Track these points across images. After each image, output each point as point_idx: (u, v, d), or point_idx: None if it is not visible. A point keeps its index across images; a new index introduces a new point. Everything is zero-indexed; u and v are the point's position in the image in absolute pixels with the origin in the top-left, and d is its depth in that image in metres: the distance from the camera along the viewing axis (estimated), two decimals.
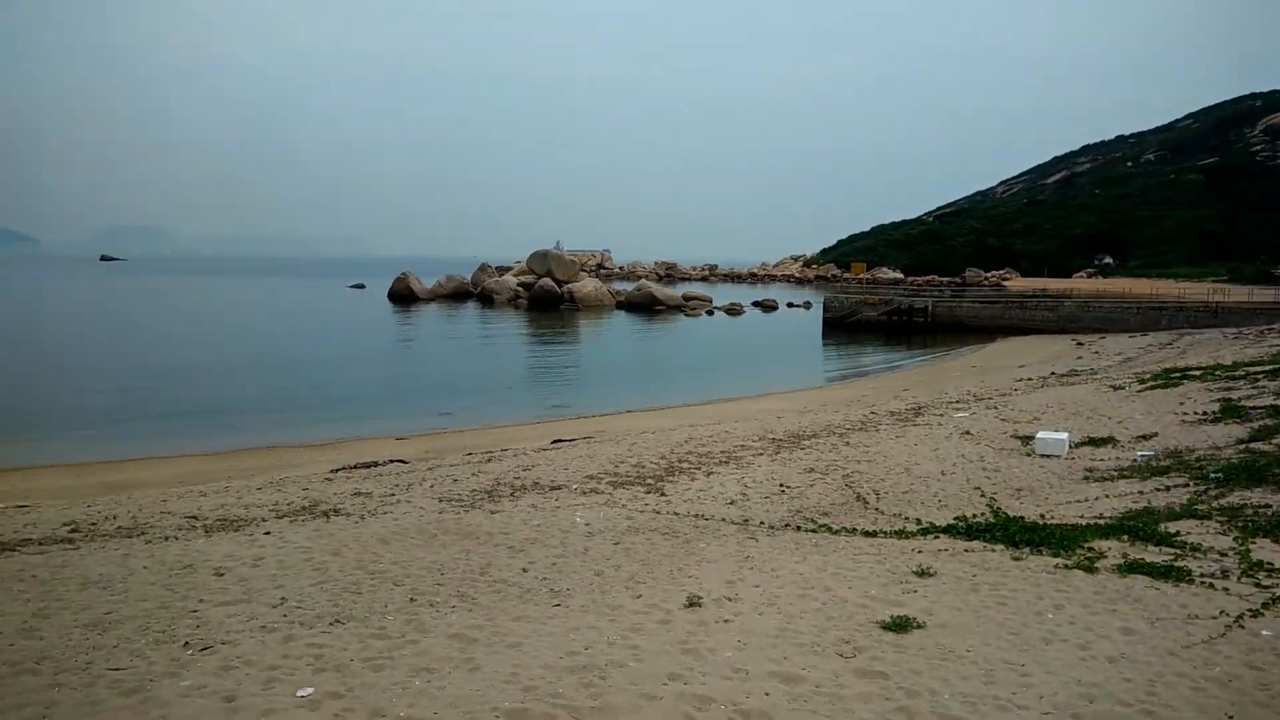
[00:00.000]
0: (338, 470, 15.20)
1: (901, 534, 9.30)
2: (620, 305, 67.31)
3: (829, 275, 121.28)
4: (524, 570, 8.23)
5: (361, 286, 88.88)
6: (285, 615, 6.91)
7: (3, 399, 25.47)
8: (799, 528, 9.82)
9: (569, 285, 67.37)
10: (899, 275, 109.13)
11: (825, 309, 55.80)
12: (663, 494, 11.76)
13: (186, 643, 6.30)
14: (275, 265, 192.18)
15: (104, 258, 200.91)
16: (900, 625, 6.36)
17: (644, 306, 65.71)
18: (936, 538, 9.06)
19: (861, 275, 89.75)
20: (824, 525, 9.87)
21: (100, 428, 21.54)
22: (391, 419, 23.11)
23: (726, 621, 6.61)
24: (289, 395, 27.09)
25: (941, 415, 18.17)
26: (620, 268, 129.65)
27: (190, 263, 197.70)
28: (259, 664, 5.81)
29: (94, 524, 10.73)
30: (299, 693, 5.29)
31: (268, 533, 9.83)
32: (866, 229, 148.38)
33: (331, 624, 6.71)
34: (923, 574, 7.59)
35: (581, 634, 6.41)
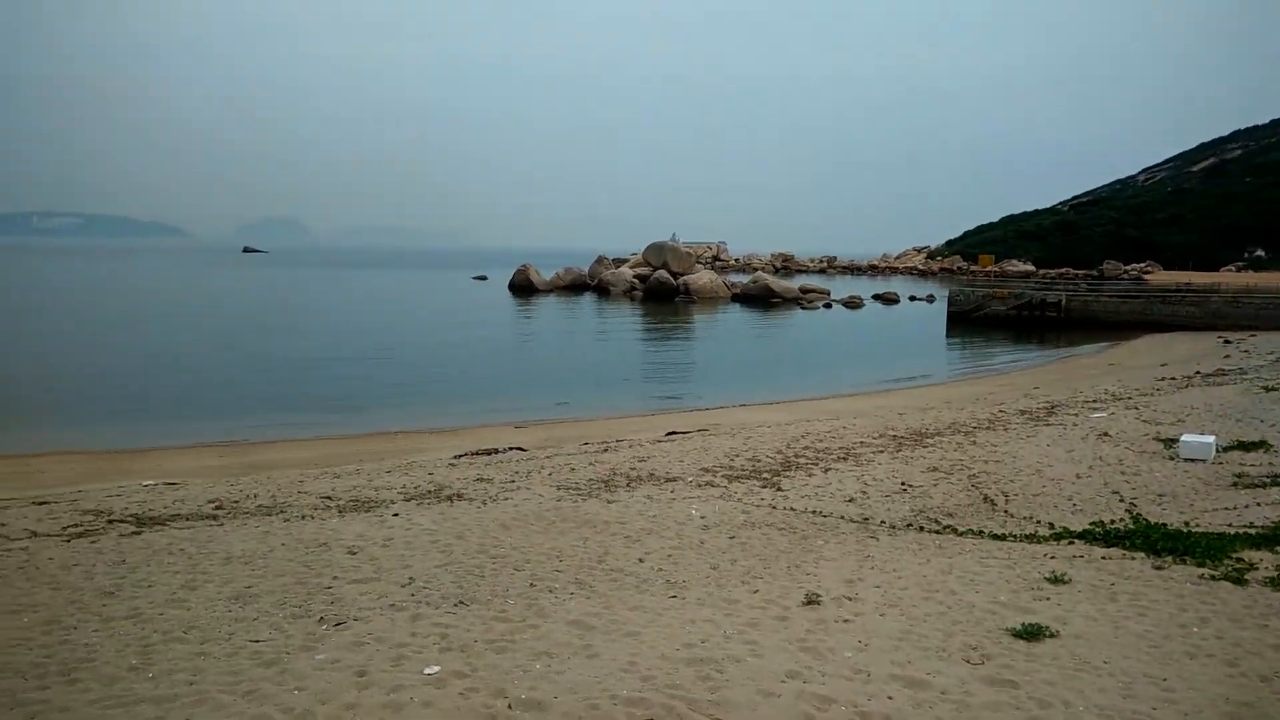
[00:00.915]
0: (461, 456, 15.64)
1: (1033, 538, 8.92)
2: (735, 298, 66.93)
3: (954, 268, 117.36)
4: (640, 560, 8.28)
5: (484, 278, 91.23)
6: (413, 595, 7.15)
7: (159, 382, 27.28)
8: (922, 528, 9.55)
9: (684, 277, 67.38)
10: (1030, 268, 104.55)
11: (950, 303, 54.03)
12: (779, 489, 11.63)
13: (321, 618, 6.59)
14: (402, 257, 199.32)
15: (246, 249, 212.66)
16: (1032, 633, 6.09)
17: (760, 299, 65.15)
18: (1071, 543, 8.65)
19: (989, 268, 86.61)
20: (949, 527, 9.57)
21: (243, 411, 22.79)
22: (511, 407, 23.65)
23: (847, 621, 6.48)
24: (416, 382, 28.06)
25: (1076, 415, 17.33)
26: (736, 260, 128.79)
27: (325, 254, 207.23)
28: (388, 641, 6.04)
29: (236, 502, 11.36)
30: (426, 670, 5.46)
31: (396, 514, 10.21)
32: (995, 219, 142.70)
33: (456, 605, 6.91)
34: (1056, 581, 7.25)
35: (698, 626, 6.40)
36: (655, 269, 68.75)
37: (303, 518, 10.22)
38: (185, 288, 78.02)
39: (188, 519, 10.30)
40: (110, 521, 10.18)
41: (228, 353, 34.01)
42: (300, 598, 7.09)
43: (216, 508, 10.97)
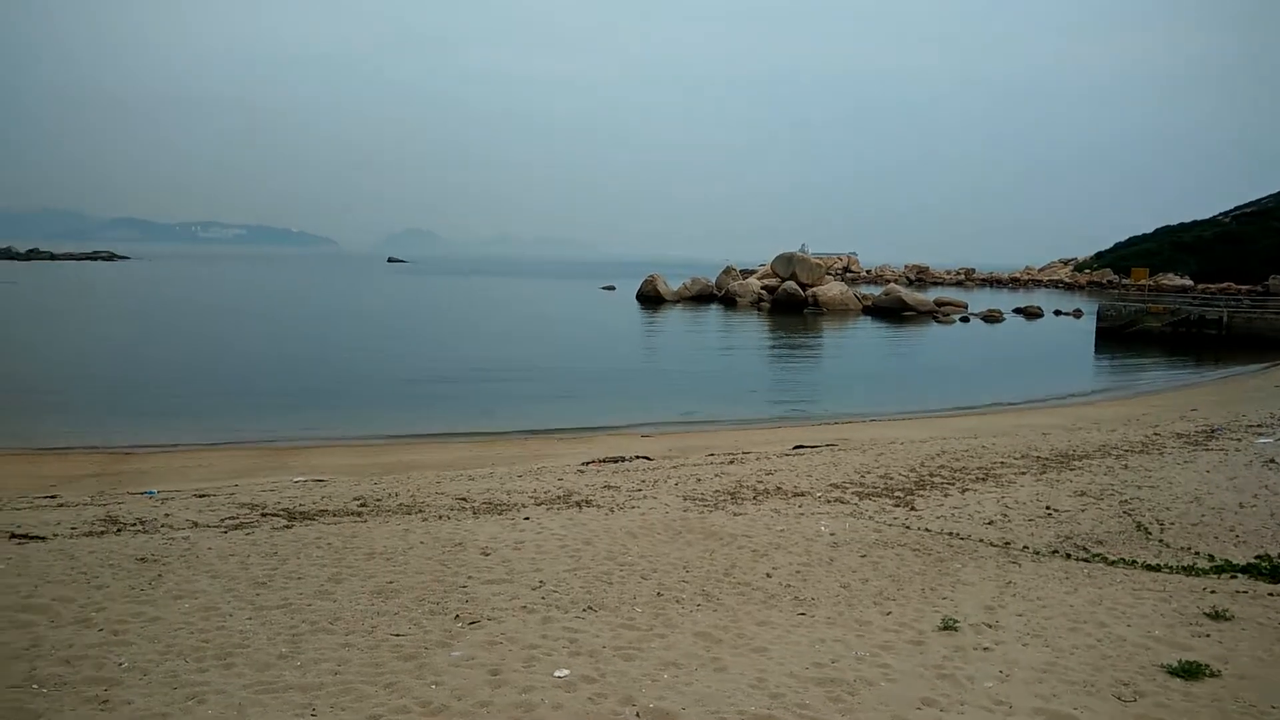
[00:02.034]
0: (588, 463, 15.87)
1: (1190, 570, 8.35)
2: (866, 310, 65.48)
3: (1104, 281, 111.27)
4: (768, 575, 8.19)
5: (612, 288, 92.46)
6: (543, 598, 7.29)
7: (309, 382, 28.83)
8: (1068, 555, 9.07)
9: (813, 289, 66.40)
10: (1187, 282, 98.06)
11: (1099, 318, 51.28)
12: (913, 508, 11.28)
13: (457, 615, 6.80)
14: (535, 267, 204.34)
15: (390, 259, 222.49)
16: (1190, 671, 5.69)
17: (892, 311, 63.52)
18: (1234, 577, 8.04)
19: (1143, 281, 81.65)
20: (1098, 555, 9.05)
21: (385, 411, 23.81)
22: (637, 416, 23.84)
23: (986, 649, 6.21)
24: (545, 389, 28.67)
25: (1239, 440, 16.12)
26: (868, 271, 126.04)
27: (460, 264, 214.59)
28: (520, 642, 6.17)
29: (379, 500, 11.87)
30: (556, 673, 5.55)
31: (527, 518, 10.44)
32: (1149, 230, 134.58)
33: (585, 610, 7.00)
34: (1217, 616, 6.75)
35: (828, 646, 6.27)
36: (783, 280, 68.06)
37: (440, 518, 10.57)
38: (335, 294, 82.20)
39: (334, 515, 10.82)
40: (264, 515, 10.80)
41: (372, 356, 35.62)
42: (437, 595, 7.33)
43: (361, 505, 11.49)
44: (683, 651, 6.07)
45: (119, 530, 9.83)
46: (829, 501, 11.64)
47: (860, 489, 12.43)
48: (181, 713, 5.08)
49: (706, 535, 9.59)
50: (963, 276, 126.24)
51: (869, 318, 62.20)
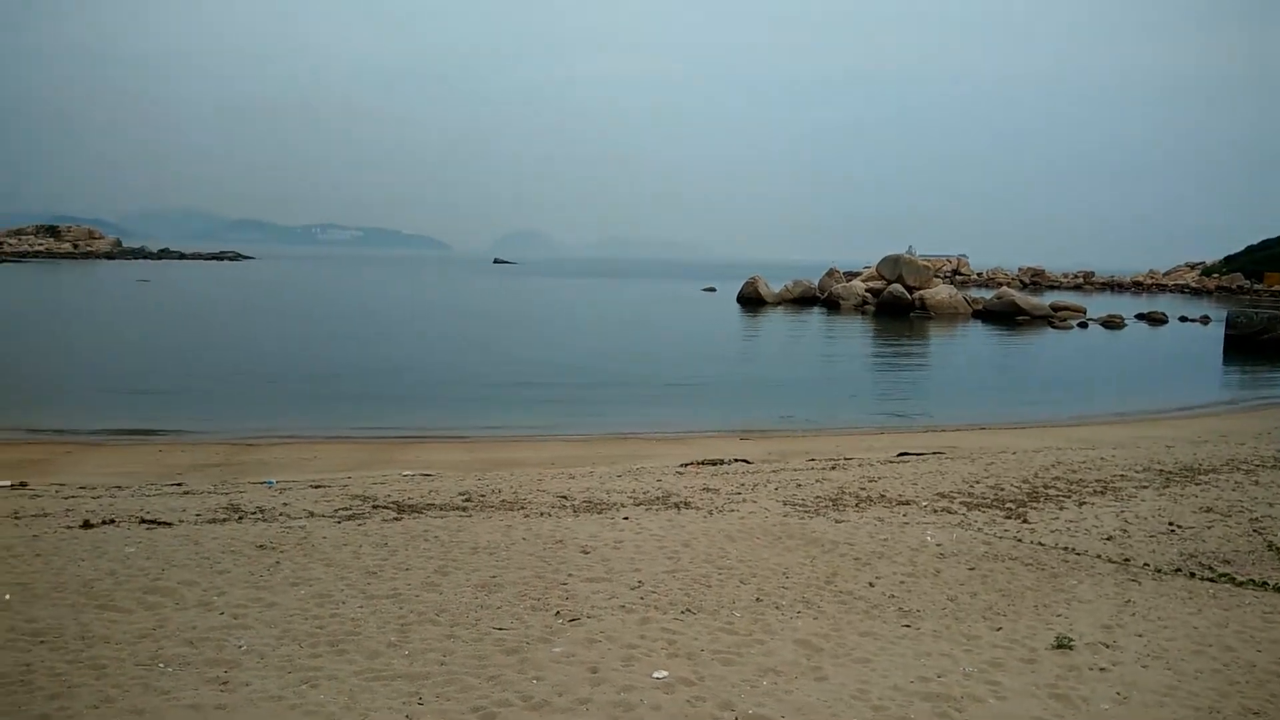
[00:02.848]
0: (687, 465, 15.85)
1: None
2: (977, 314, 63.43)
3: (1234, 286, 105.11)
4: (870, 585, 8.02)
5: (712, 290, 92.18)
6: (642, 598, 7.32)
7: (418, 378, 29.72)
8: (1193, 574, 8.59)
9: (920, 292, 64.72)
10: None
11: (1229, 325, 48.42)
12: (1025, 520, 10.87)
13: (558, 612, 6.89)
14: (637, 267, 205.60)
15: (497, 260, 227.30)
16: None
17: (1004, 316, 61.34)
18: None
19: (1277, 286, 76.83)
20: (1225, 575, 8.55)
21: (490, 409, 24.34)
22: (736, 418, 23.69)
23: (1103, 670, 5.94)
24: (644, 389, 28.79)
25: None
26: (979, 274, 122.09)
27: (565, 265, 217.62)
28: (619, 641, 6.21)
29: (483, 495, 12.12)
30: (655, 674, 5.56)
31: (626, 518, 10.50)
32: None
33: (683, 612, 6.99)
34: None
35: (934, 660, 6.10)
36: (889, 283, 66.59)
37: (541, 515, 10.73)
38: (442, 294, 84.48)
39: (441, 509, 11.11)
40: (374, 507, 11.18)
41: (474, 354, 36.47)
42: (539, 591, 7.45)
43: (466, 500, 11.76)
44: (782, 659, 6.00)
45: (240, 518, 10.33)
46: (935, 511, 11.32)
47: (969, 499, 12.06)
48: (296, 696, 5.30)
49: (807, 541, 9.46)
50: (1081, 280, 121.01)
51: (979, 322, 60.26)
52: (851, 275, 76.73)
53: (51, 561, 7.99)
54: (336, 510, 10.92)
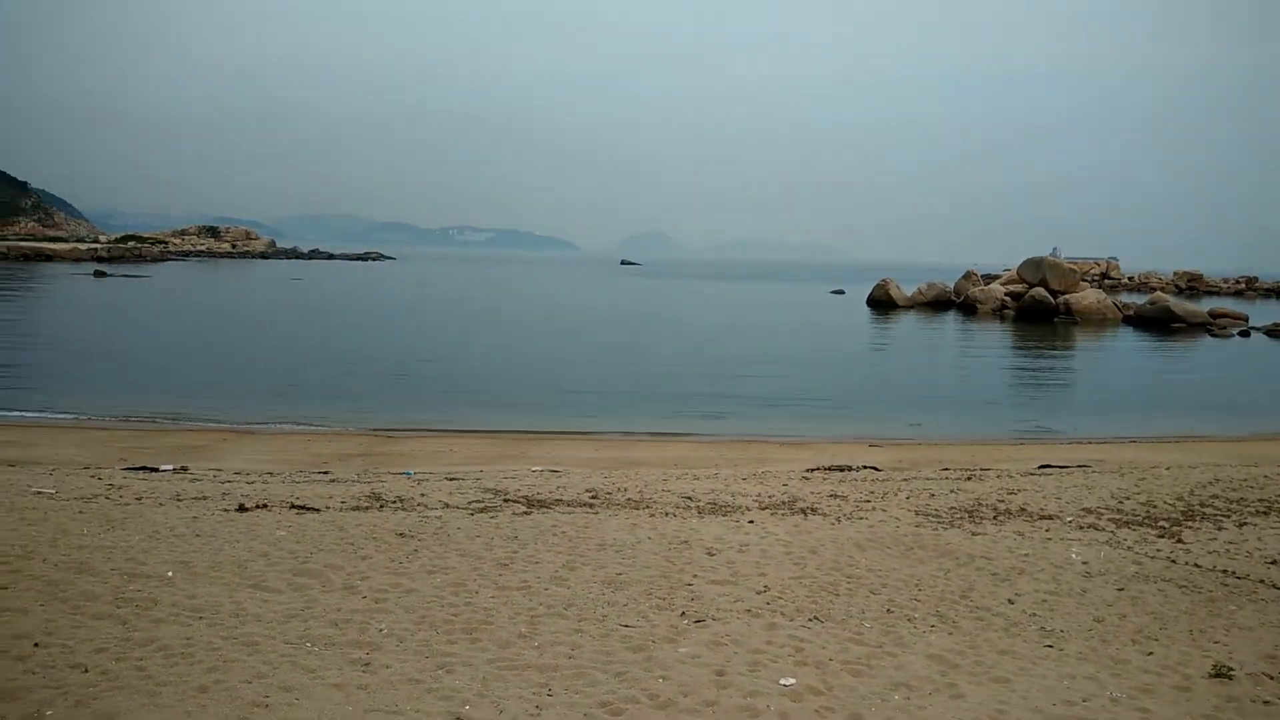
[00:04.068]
0: (814, 470, 15.59)
1: None
2: (1128, 320, 59.92)
3: None
4: (1009, 601, 7.69)
5: (841, 292, 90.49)
6: (768, 603, 7.24)
7: (544, 376, 30.37)
8: None
9: (1065, 296, 61.61)
10: None
11: None
12: (1180, 540, 10.19)
13: (683, 612, 6.89)
14: (762, 270, 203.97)
15: (623, 262, 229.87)
16: None
17: (1157, 322, 57.72)
18: None
19: None
20: None
21: (615, 408, 24.62)
22: (864, 424, 23.15)
23: (1266, 704, 5.52)
24: (767, 392, 28.51)
25: None
26: (1130, 278, 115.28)
27: (691, 266, 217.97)
28: (745, 645, 6.16)
29: (609, 494, 12.26)
30: (782, 681, 5.49)
31: (751, 521, 10.41)
32: None
33: (810, 620, 6.88)
34: None
35: (1078, 683, 5.79)
36: (1031, 286, 63.68)
37: (666, 515, 10.77)
38: (573, 295, 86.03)
39: (568, 505, 11.30)
40: (505, 500, 11.47)
41: (596, 354, 36.97)
42: (664, 590, 7.47)
43: (592, 497, 11.93)
44: (914, 673, 5.83)
45: (381, 506, 10.79)
46: (1081, 527, 10.75)
47: (1118, 516, 11.39)
48: (433, 680, 5.49)
49: (941, 553, 9.15)
50: (1243, 285, 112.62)
51: (1130, 328, 56.92)
52: (990, 278, 73.80)
53: (210, 542, 8.54)
54: (470, 502, 11.26)
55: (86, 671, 5.42)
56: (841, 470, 15.59)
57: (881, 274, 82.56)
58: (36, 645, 5.75)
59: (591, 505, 11.37)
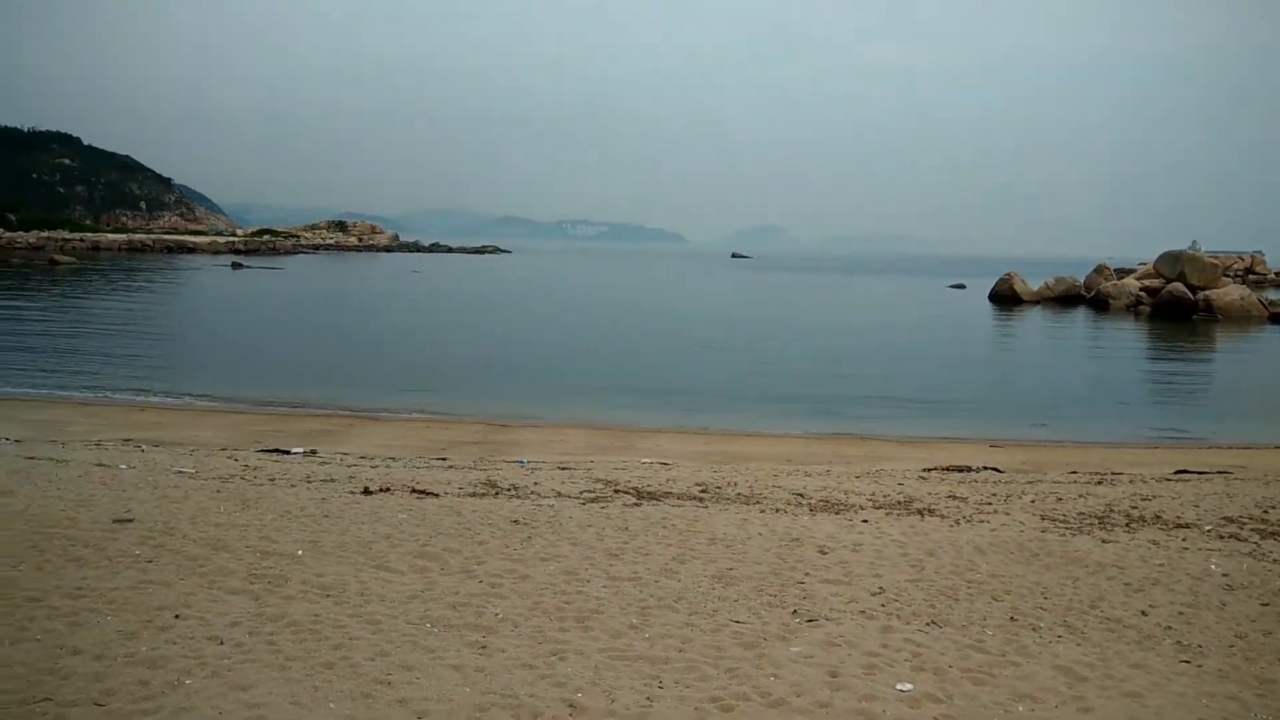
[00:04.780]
0: (931, 470, 15.15)
1: None
2: (1274, 318, 55.98)
3: None
4: (1143, 613, 7.28)
5: (961, 286, 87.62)
6: (883, 605, 7.07)
7: (654, 369, 30.50)
8: None
9: (1206, 292, 57.99)
10: None
11: None
12: None
13: (795, 611, 6.80)
14: (877, 263, 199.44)
15: (734, 255, 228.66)
16: None
17: None
18: None
19: None
20: None
21: (727, 401, 24.53)
22: (981, 423, 22.36)
23: None
24: (884, 388, 27.85)
25: None
26: (1277, 273, 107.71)
27: (804, 260, 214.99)
28: (859, 647, 6.03)
29: (719, 488, 12.21)
30: (898, 686, 5.35)
31: (865, 521, 10.19)
32: None
33: (928, 624, 6.68)
34: None
35: (1219, 702, 5.45)
36: (1168, 281, 60.21)
37: (777, 511, 10.65)
38: (684, 288, 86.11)
39: (678, 498, 11.31)
40: (616, 491, 11.56)
41: (714, 348, 36.86)
42: (775, 588, 7.39)
43: (702, 490, 11.90)
44: (1040, 684, 5.59)
45: (496, 493, 11.04)
46: (1221, 537, 10.09)
47: (1262, 526, 10.65)
48: (546, 667, 5.58)
49: (1068, 560, 8.75)
50: None
51: (1278, 327, 53.21)
52: (1123, 272, 70.10)
53: (337, 523, 8.91)
54: (581, 492, 11.40)
55: (222, 644, 5.73)
56: (961, 471, 15.10)
57: (1001, 267, 79.57)
58: (177, 617, 6.12)
59: (701, 499, 11.34)
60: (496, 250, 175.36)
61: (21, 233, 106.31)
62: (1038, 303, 66.09)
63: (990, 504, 11.57)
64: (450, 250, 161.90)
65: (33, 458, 11.92)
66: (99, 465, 11.56)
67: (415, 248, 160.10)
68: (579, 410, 22.28)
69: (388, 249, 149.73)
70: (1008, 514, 10.96)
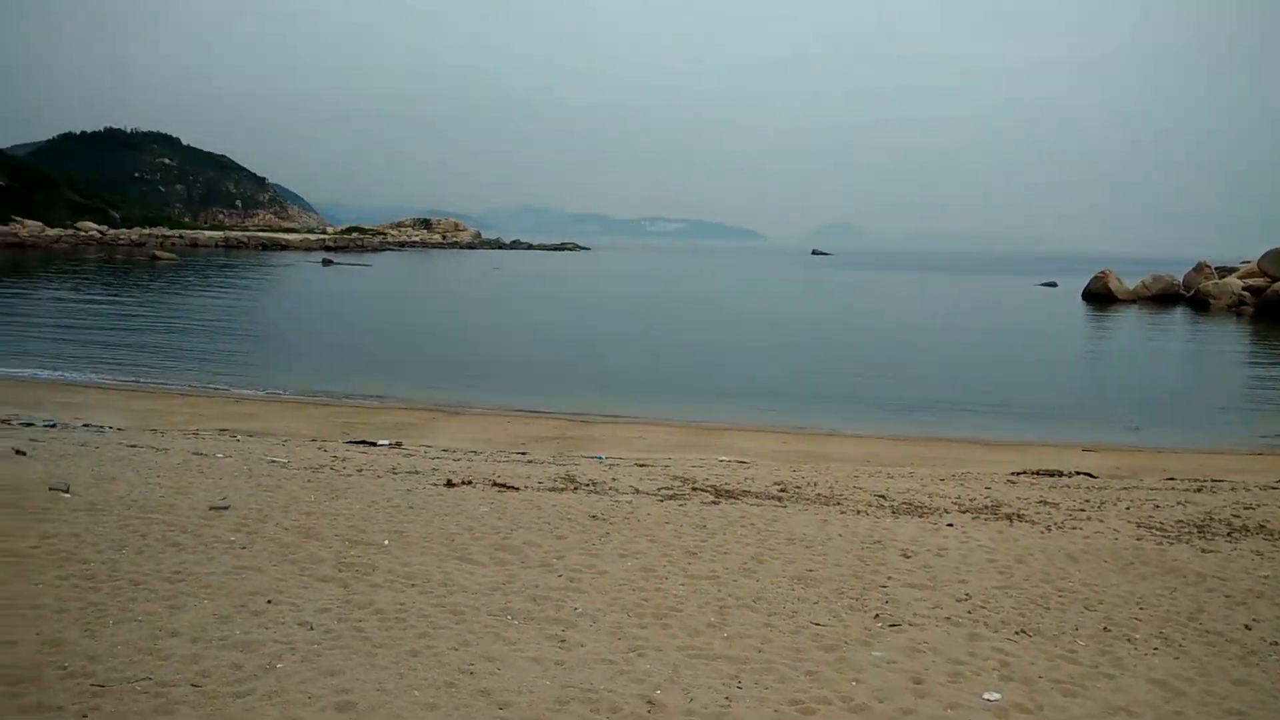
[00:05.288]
0: (1019, 474, 14.72)
1: None
2: None
3: None
4: (1246, 628, 6.94)
5: (1052, 284, 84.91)
6: (970, 612, 6.89)
7: (727, 366, 30.34)
8: None
9: None
10: None
11: None
12: None
13: (877, 615, 6.67)
14: (960, 260, 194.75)
15: (814, 252, 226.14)
16: None
17: None
18: None
19: None
20: None
21: (804, 400, 24.26)
22: (1072, 427, 21.61)
23: None
24: (968, 389, 27.17)
25: None
26: None
27: (882, 257, 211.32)
28: (944, 654, 5.89)
29: (798, 487, 12.07)
30: (986, 695, 5.21)
31: (950, 524, 9.95)
32: None
33: (1017, 633, 6.49)
34: None
35: None
36: (1274, 280, 57.28)
37: (858, 512, 10.48)
38: (762, 285, 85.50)
39: (756, 496, 11.22)
40: (694, 489, 11.53)
41: (791, 346, 36.49)
42: (856, 590, 7.27)
43: (780, 490, 11.79)
44: (1135, 697, 5.37)
45: (575, 489, 11.12)
46: None
47: None
48: (625, 663, 5.59)
49: (1165, 570, 8.39)
50: None
51: None
52: (1225, 271, 66.95)
53: (421, 514, 9.10)
54: (659, 489, 11.40)
55: (312, 629, 5.90)
56: (1051, 475, 14.63)
57: (1093, 265, 76.88)
58: (269, 602, 6.32)
59: (780, 498, 11.23)
60: (575, 247, 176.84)
61: (125, 229, 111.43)
62: (1133, 302, 63.66)
63: (1083, 510, 11.19)
64: (530, 247, 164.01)
65: (135, 445, 12.48)
66: (197, 454, 12.04)
67: (496, 245, 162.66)
68: (656, 407, 22.30)
69: (470, 246, 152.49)
70: (1101, 521, 10.57)
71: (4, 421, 14.48)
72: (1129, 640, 6.48)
